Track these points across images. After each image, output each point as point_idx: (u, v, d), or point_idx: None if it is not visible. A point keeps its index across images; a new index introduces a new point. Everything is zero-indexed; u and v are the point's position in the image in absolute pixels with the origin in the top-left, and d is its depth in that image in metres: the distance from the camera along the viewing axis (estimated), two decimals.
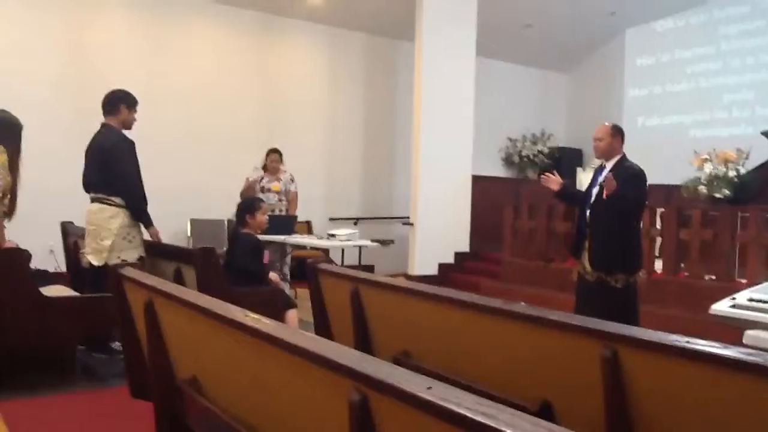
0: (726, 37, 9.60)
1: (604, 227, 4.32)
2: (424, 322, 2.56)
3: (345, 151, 9.77)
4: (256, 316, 1.71)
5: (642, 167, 4.33)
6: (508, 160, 11.11)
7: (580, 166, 9.86)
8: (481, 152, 9.64)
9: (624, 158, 4.36)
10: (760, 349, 2.08)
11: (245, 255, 4.80)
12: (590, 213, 4.41)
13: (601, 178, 4.31)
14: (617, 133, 4.37)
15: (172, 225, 7.27)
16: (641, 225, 4.48)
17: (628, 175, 4.24)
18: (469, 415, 1.00)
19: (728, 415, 1.57)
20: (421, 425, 1.12)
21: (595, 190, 4.37)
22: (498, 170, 10.96)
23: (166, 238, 5.00)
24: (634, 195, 4.23)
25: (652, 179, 8.69)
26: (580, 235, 4.51)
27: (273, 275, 4.90)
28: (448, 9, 8.68)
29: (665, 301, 6.05)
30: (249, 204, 5.16)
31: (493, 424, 0.96)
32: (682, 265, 6.37)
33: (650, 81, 10.42)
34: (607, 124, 4.46)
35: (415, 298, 2.58)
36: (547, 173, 4.58)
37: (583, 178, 7.74)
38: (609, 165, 4.37)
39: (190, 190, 8.20)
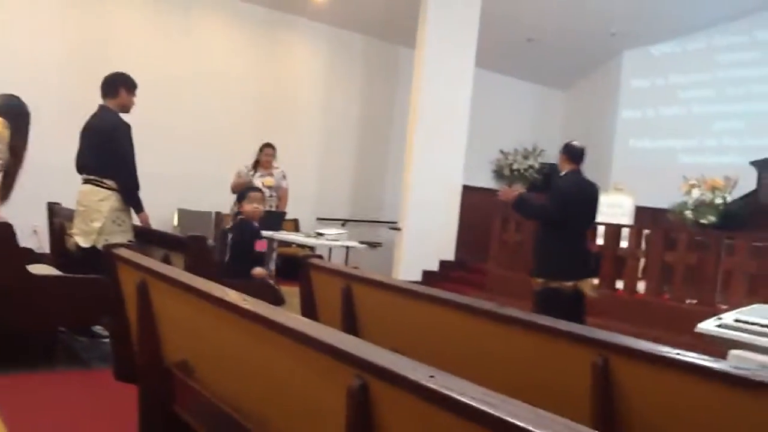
0: (721, 65, 9.74)
1: (534, 235, 4.91)
2: (414, 322, 2.56)
3: (337, 152, 9.78)
4: (253, 299, 1.72)
5: (569, 186, 4.64)
6: (498, 173, 11.17)
7: None
8: (472, 163, 9.68)
9: (568, 174, 4.69)
10: None
11: (239, 241, 4.97)
12: None
13: None
14: (563, 151, 4.76)
15: (159, 213, 7.19)
16: (569, 238, 4.62)
17: (553, 188, 4.78)
18: (473, 404, 1.01)
19: (715, 426, 1.59)
20: (421, 414, 1.12)
21: None
22: (488, 182, 11.02)
23: (152, 226, 4.98)
24: (537, 207, 4.73)
25: (640, 202, 8.86)
26: None
27: (257, 270, 4.89)
28: (451, 18, 8.73)
29: (648, 322, 6.10)
30: (240, 193, 5.50)
31: (497, 413, 0.97)
32: (665, 287, 6.44)
33: (644, 103, 10.54)
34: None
35: (407, 297, 2.59)
36: (504, 187, 4.82)
37: None
38: None
39: (179, 179, 8.19)
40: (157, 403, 2.21)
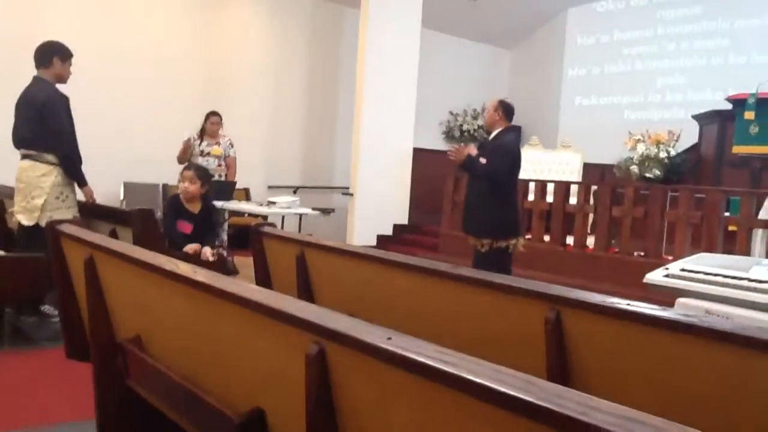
0: (663, 21, 9.86)
1: (471, 194, 4.73)
2: (369, 286, 2.57)
3: (286, 119, 9.63)
4: (207, 271, 1.68)
5: (515, 143, 4.61)
6: (449, 134, 11.17)
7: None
8: (422, 125, 9.68)
9: (505, 131, 4.62)
10: None
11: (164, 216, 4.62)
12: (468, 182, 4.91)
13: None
14: (499, 106, 4.63)
15: (104, 187, 7.00)
16: (513, 196, 4.70)
17: (495, 147, 4.58)
18: (431, 363, 1.01)
19: (665, 373, 1.64)
20: (380, 376, 1.12)
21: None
22: (438, 143, 11.02)
23: (98, 201, 4.84)
24: (488, 166, 4.49)
25: (588, 158, 9.00)
26: None
27: (189, 247, 4.40)
28: None
29: (597, 276, 6.26)
30: None
31: (455, 372, 0.97)
32: (613, 241, 6.60)
33: (589, 61, 10.62)
34: (497, 97, 4.75)
35: (361, 262, 2.59)
36: (454, 146, 4.72)
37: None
38: (492, 136, 4.72)
39: (124, 152, 7.94)
40: (112, 379, 2.17)
